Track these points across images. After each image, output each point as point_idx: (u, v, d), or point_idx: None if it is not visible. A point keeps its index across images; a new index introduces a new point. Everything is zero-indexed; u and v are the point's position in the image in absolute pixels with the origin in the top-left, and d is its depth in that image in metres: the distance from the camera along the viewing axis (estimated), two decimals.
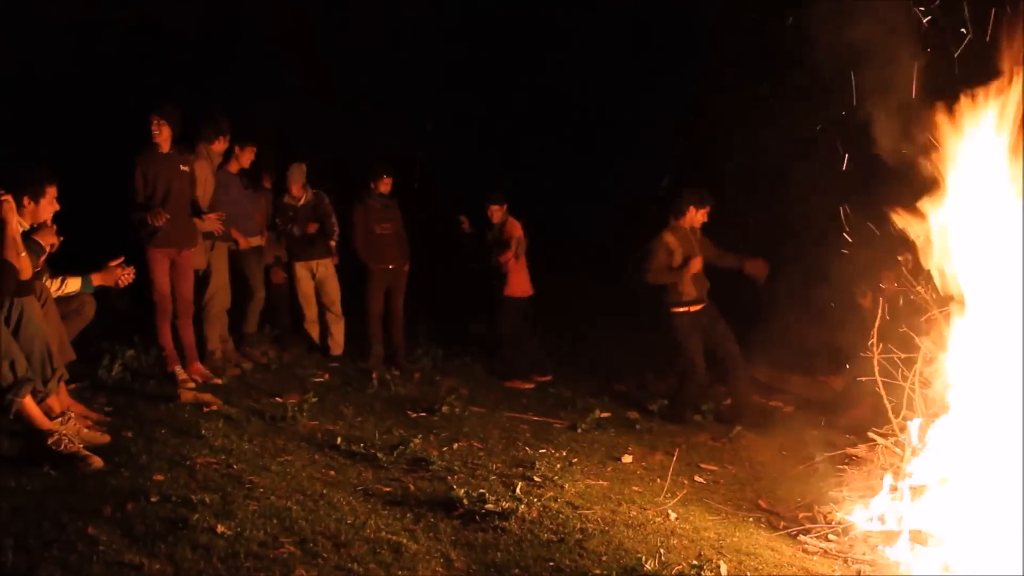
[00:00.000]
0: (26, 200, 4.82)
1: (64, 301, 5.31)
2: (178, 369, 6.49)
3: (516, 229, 8.73)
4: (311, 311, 8.49)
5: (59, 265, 5.36)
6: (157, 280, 6.46)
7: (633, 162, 11.40)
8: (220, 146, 7.25)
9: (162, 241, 6.42)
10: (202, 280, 7.12)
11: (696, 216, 7.63)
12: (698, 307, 7.60)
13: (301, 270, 8.39)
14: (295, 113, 10.89)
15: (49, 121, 9.69)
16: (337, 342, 8.51)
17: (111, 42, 10.61)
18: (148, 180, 6.40)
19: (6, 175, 4.80)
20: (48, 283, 5.19)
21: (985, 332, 4.80)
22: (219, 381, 6.67)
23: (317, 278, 8.43)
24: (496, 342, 8.96)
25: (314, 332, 8.52)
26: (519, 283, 8.80)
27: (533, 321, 8.99)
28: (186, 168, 6.62)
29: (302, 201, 8.31)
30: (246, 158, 7.77)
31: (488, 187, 8.95)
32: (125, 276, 5.57)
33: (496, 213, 8.76)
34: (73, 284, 5.41)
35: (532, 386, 8.42)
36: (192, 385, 6.35)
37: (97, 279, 5.50)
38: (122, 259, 5.59)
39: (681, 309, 7.56)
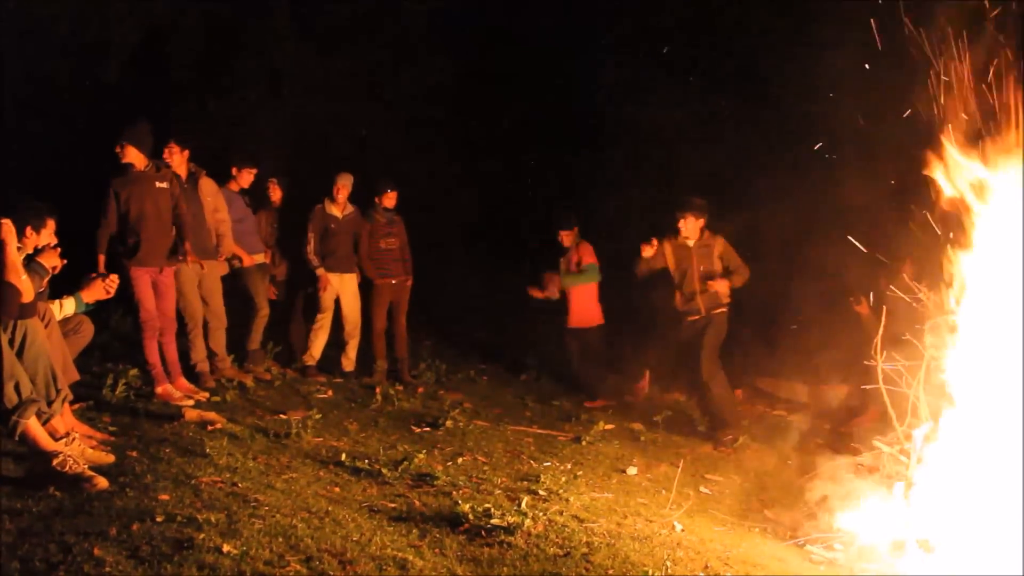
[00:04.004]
0: (28, 231, 4.98)
1: (62, 322, 5.35)
2: (165, 388, 6.47)
3: (588, 255, 8.70)
4: (326, 319, 8.43)
5: (52, 286, 5.39)
6: (142, 298, 6.46)
7: (635, 168, 11.44)
8: (173, 160, 6.98)
9: (142, 260, 6.45)
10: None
11: (683, 227, 7.57)
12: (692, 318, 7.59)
13: (331, 280, 8.37)
14: (297, 131, 10.97)
15: (51, 137, 9.76)
16: (350, 359, 8.53)
17: (116, 61, 10.69)
18: (121, 201, 6.42)
19: (10, 206, 4.89)
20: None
21: (986, 335, 4.81)
22: (203, 396, 6.63)
23: (342, 290, 8.43)
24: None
25: (321, 338, 8.41)
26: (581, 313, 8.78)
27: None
28: (163, 185, 6.59)
29: (344, 214, 8.36)
30: (245, 178, 7.85)
31: (557, 213, 8.90)
32: (110, 285, 5.64)
33: (566, 239, 8.74)
34: (69, 306, 5.47)
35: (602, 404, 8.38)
36: (191, 403, 6.35)
37: (86, 296, 5.57)
38: (98, 274, 5.70)
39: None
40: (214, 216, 7.36)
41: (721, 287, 7.44)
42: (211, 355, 7.30)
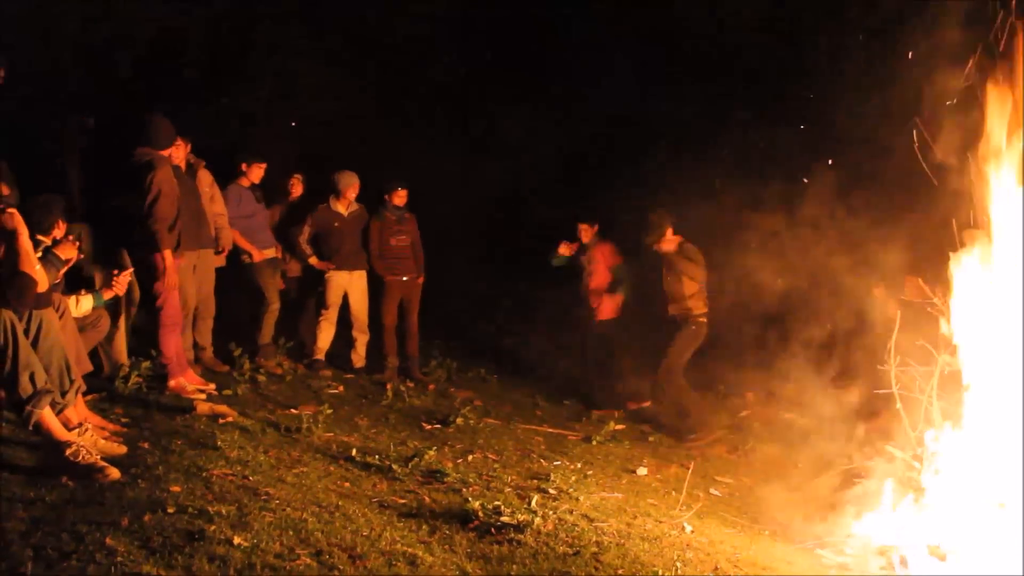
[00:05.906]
0: (60, 223, 5.13)
1: (80, 316, 5.39)
2: (179, 381, 6.47)
3: (605, 256, 8.60)
4: (332, 313, 8.40)
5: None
6: (176, 292, 6.46)
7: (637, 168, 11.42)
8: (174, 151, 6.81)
9: (183, 250, 6.48)
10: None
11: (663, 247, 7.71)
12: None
13: (338, 277, 8.37)
14: (307, 127, 11.01)
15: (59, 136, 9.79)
16: (359, 355, 8.54)
17: (124, 59, 10.73)
18: (163, 192, 6.41)
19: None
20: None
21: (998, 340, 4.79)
22: (212, 386, 6.65)
23: (350, 288, 8.43)
24: (585, 370, 8.86)
25: (326, 331, 8.38)
26: (610, 306, 8.68)
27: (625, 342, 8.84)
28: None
29: (349, 211, 8.38)
30: (255, 173, 7.88)
31: (581, 206, 8.85)
32: (118, 283, 5.70)
33: (585, 232, 8.65)
34: (86, 303, 5.51)
35: (622, 414, 8.14)
36: (203, 396, 6.36)
37: (108, 294, 5.65)
38: (116, 271, 5.76)
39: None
40: (211, 207, 7.36)
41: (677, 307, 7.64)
42: (197, 347, 7.31)
